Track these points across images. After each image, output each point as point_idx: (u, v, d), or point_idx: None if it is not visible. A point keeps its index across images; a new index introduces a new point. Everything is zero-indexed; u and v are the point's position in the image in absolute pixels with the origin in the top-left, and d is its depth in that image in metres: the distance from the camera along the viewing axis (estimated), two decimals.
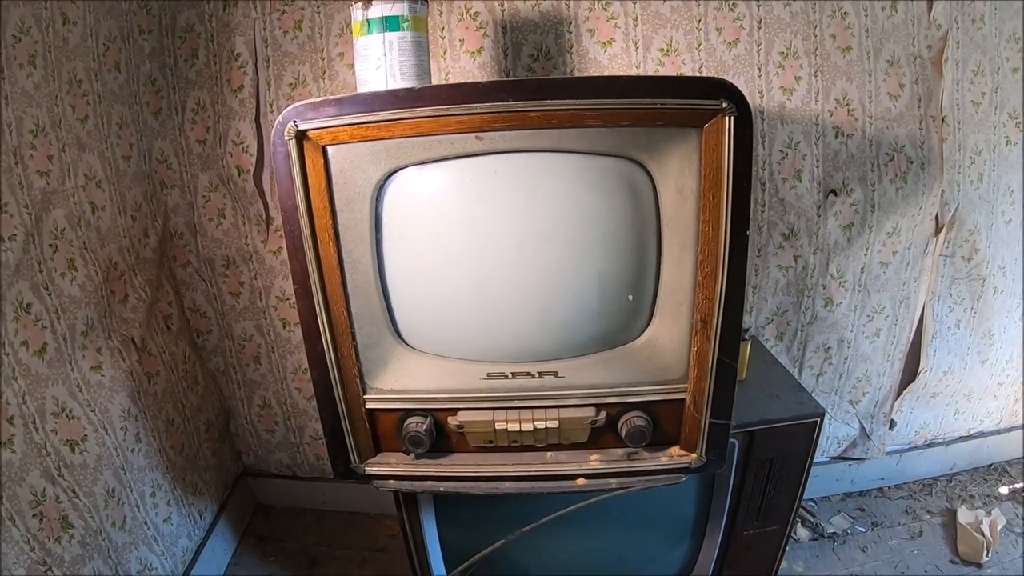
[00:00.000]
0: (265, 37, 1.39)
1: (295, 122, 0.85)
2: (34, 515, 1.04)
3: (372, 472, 1.05)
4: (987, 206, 1.56)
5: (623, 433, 0.99)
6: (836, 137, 1.45)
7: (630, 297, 0.94)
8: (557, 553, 1.37)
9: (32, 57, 1.10)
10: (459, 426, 1.01)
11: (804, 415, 1.21)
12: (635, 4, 1.35)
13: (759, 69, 1.40)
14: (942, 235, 1.55)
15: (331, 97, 0.87)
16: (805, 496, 1.71)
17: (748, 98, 1.29)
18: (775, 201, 1.49)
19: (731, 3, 1.36)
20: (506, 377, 0.99)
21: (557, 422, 0.99)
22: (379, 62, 1.00)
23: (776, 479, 1.26)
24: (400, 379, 1.02)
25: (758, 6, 1.37)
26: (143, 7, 1.37)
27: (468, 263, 0.95)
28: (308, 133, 0.86)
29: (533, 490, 1.03)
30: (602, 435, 1.01)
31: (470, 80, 1.40)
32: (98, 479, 1.18)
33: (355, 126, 0.86)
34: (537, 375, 0.99)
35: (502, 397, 1.00)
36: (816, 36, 1.39)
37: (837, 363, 1.65)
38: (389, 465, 1.05)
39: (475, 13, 1.36)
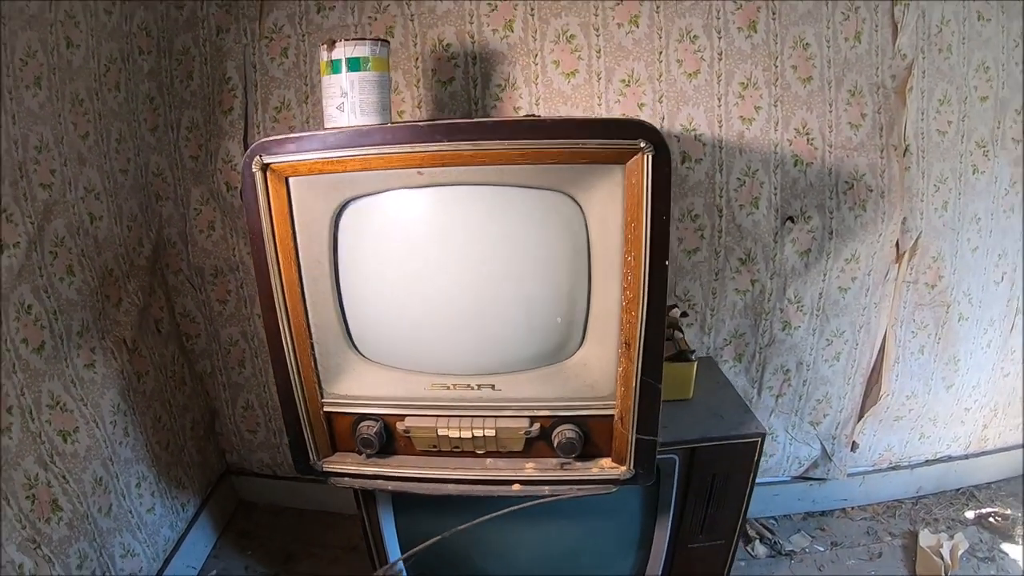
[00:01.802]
0: (254, 62, 1.49)
1: (260, 156, 0.95)
2: (27, 497, 1.15)
3: (329, 470, 1.15)
4: (952, 233, 1.59)
5: (555, 444, 1.06)
6: (795, 166, 1.50)
7: (558, 320, 1.02)
8: (515, 558, 1.44)
9: (38, 79, 1.22)
10: (406, 431, 1.10)
11: (745, 434, 1.26)
12: (598, 37, 1.43)
13: (719, 99, 1.46)
14: (904, 262, 1.58)
15: (292, 135, 0.97)
16: (765, 513, 1.78)
17: (707, 128, 1.39)
18: (732, 227, 1.54)
19: (692, 35, 1.42)
20: (447, 388, 1.08)
21: (494, 431, 1.07)
22: (342, 100, 1.09)
23: (719, 495, 1.31)
24: (355, 386, 1.11)
25: (719, 38, 1.43)
26: (143, 30, 1.48)
27: (413, 284, 1.04)
28: (272, 166, 0.96)
29: (473, 493, 1.11)
30: (537, 445, 1.08)
31: (441, 108, 1.49)
32: (87, 468, 1.29)
33: (312, 161, 0.96)
34: (475, 387, 1.07)
35: (444, 406, 1.08)
36: (777, 67, 1.44)
37: (796, 385, 1.69)
38: (344, 464, 1.14)
39: (447, 44, 1.45)
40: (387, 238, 1.03)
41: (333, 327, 1.08)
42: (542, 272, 1.01)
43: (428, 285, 1.04)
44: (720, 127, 1.47)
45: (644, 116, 1.46)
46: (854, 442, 1.74)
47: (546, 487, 1.09)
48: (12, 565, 1.09)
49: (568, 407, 1.05)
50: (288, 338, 1.06)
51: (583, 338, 1.03)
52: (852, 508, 1.80)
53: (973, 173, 1.55)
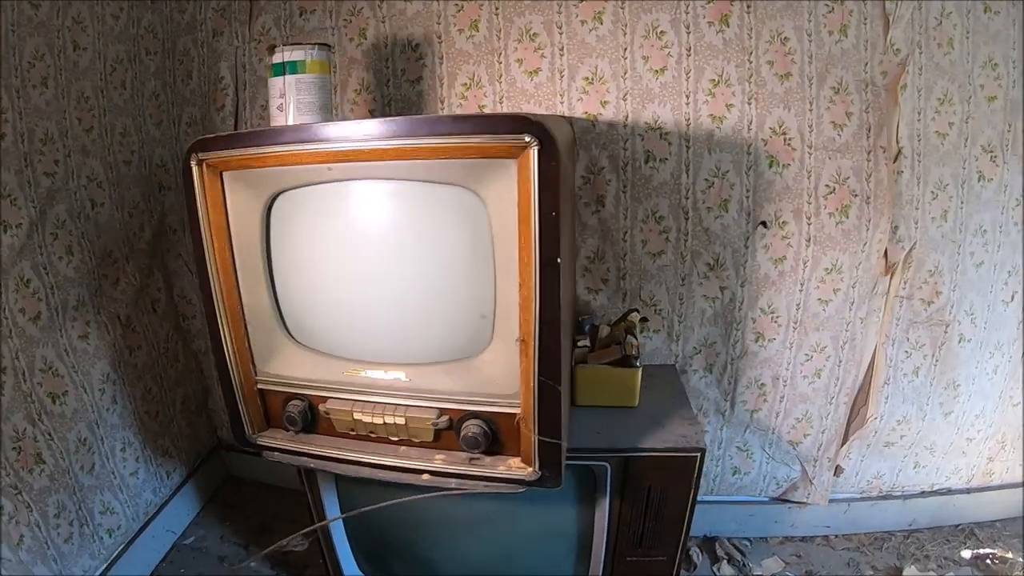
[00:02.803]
0: (244, 63, 1.59)
1: (197, 152, 1.04)
2: (14, 448, 1.29)
3: (262, 443, 1.21)
4: (952, 246, 1.45)
5: (460, 438, 1.07)
6: (770, 167, 1.43)
7: (483, 316, 1.02)
8: (465, 556, 1.46)
9: (44, 79, 1.37)
10: (327, 412, 1.15)
11: (682, 448, 1.21)
12: (561, 35, 1.42)
13: (687, 97, 1.41)
14: (897, 275, 1.46)
15: (223, 134, 1.05)
16: (740, 534, 1.70)
17: (674, 126, 1.35)
18: (699, 230, 1.48)
19: (658, 31, 1.39)
20: (362, 374, 1.12)
21: (404, 420, 1.09)
22: (281, 100, 1.16)
23: (656, 509, 1.27)
24: (285, 366, 1.18)
25: (688, 33, 1.38)
26: (150, 32, 1.62)
27: (330, 273, 1.09)
28: (207, 161, 1.04)
29: (385, 478, 1.13)
30: (447, 437, 1.10)
31: (410, 106, 1.53)
32: (72, 428, 1.43)
33: (239, 157, 1.04)
34: (387, 375, 1.10)
35: (359, 391, 1.12)
36: (752, 63, 1.38)
37: (773, 401, 1.59)
38: (275, 439, 1.21)
39: (416, 44, 1.49)
40: (308, 229, 1.08)
41: (265, 311, 1.15)
42: (447, 267, 1.02)
43: (342, 274, 1.08)
44: (688, 126, 1.42)
45: (607, 114, 1.44)
46: (838, 466, 1.62)
47: (453, 480, 1.10)
48: None
49: (475, 402, 1.06)
50: (223, 319, 1.13)
51: (492, 334, 1.04)
52: (835, 536, 1.67)
53: (979, 180, 1.41)
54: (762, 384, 1.58)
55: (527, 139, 0.86)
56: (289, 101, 1.15)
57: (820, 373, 1.55)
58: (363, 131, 0.95)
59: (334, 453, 1.16)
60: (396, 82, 1.52)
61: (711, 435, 1.66)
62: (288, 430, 1.19)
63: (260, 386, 1.19)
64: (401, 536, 1.46)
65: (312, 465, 1.19)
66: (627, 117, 1.44)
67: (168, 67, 1.66)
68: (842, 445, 1.60)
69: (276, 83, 1.16)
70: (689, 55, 1.39)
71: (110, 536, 1.52)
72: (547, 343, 0.95)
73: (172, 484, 1.76)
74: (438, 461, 1.10)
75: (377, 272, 1.06)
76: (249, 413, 1.20)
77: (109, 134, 1.55)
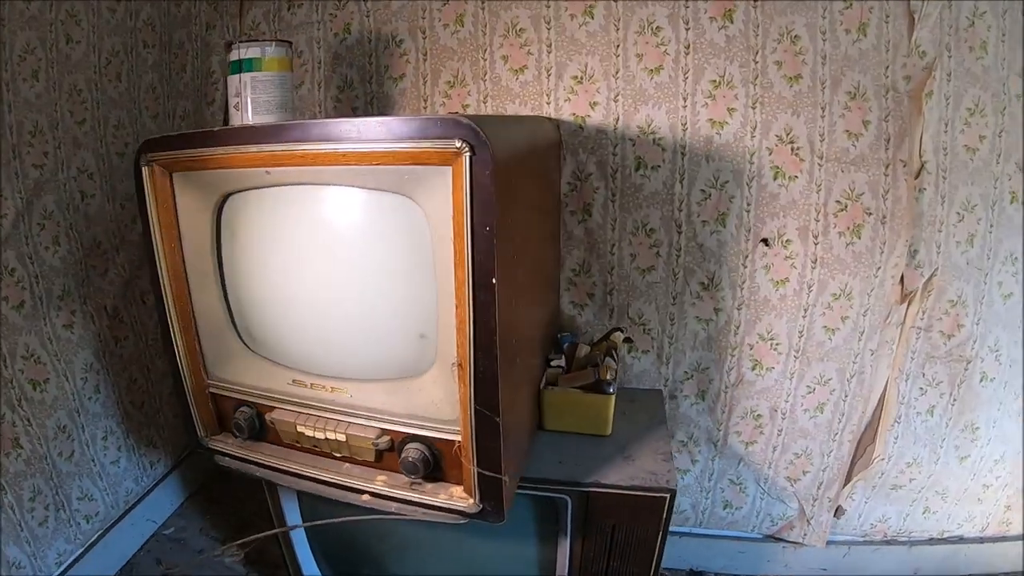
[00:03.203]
0: None
1: (146, 152, 1.02)
2: None
3: (213, 448, 1.19)
4: (978, 274, 1.29)
5: (400, 461, 1.01)
6: (775, 179, 1.30)
7: (422, 336, 0.96)
8: None
9: (35, 72, 1.38)
10: (272, 422, 1.11)
11: (649, 487, 1.11)
12: (549, 30, 1.33)
13: (684, 99, 1.30)
14: (914, 304, 1.30)
15: (173, 134, 1.02)
16: (729, 570, 1.59)
17: (668, 131, 1.25)
18: (692, 246, 1.36)
19: (654, 27, 1.27)
20: (306, 386, 1.07)
21: (344, 436, 1.04)
22: (237, 99, 1.12)
23: (622, 548, 1.17)
24: (235, 372, 1.14)
25: (687, 29, 1.27)
26: (148, 24, 1.61)
27: (274, 280, 1.04)
28: (156, 162, 1.02)
29: (327, 495, 1.09)
30: (389, 459, 1.04)
31: (391, 105, 1.48)
32: (52, 415, 1.45)
33: (185, 159, 1.01)
34: (330, 389, 1.05)
35: (302, 403, 1.08)
36: (757, 63, 1.25)
37: (770, 434, 1.46)
38: (226, 444, 1.18)
39: (400, 40, 1.43)
40: (254, 234, 1.04)
41: (217, 314, 1.12)
42: (386, 281, 0.95)
43: (284, 282, 1.03)
44: (684, 131, 1.31)
45: (597, 116, 1.34)
46: (840, 507, 1.48)
47: (393, 504, 1.04)
48: None
49: (417, 425, 0.99)
50: (173, 321, 1.11)
51: (435, 355, 0.97)
52: None
53: (1011, 202, 1.25)
54: (759, 415, 1.45)
55: (458, 144, 0.78)
56: (246, 100, 1.12)
57: (823, 407, 1.41)
58: (293, 134, 0.90)
59: (280, 464, 1.12)
60: (379, 79, 1.46)
61: (702, 465, 1.54)
62: (237, 436, 1.17)
63: (212, 390, 1.17)
64: (364, 547, 1.42)
65: (258, 474, 1.16)
66: (618, 120, 1.34)
67: (165, 60, 1.66)
68: (845, 485, 1.46)
69: (233, 81, 1.12)
70: (688, 53, 1.27)
71: (87, 522, 1.54)
72: (483, 369, 0.87)
73: (156, 474, 1.78)
74: (379, 482, 1.05)
75: (317, 282, 1.00)
76: (201, 416, 1.18)
77: (102, 126, 1.56)
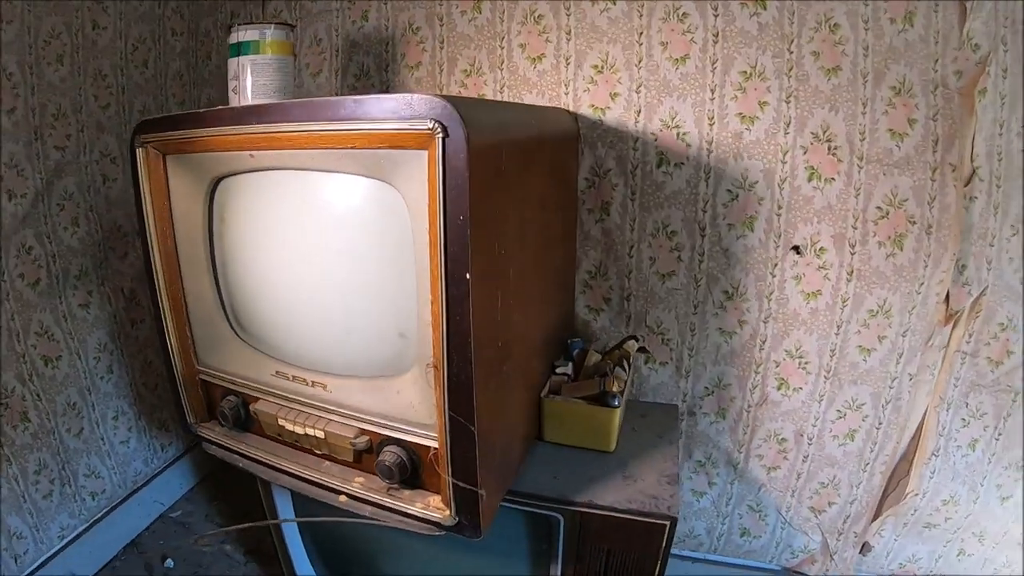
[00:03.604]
0: None
1: (139, 134, 1.00)
2: (1, 403, 1.34)
3: (202, 435, 1.18)
4: None
5: (376, 464, 0.96)
6: (809, 180, 1.18)
7: (401, 334, 0.90)
8: None
9: (60, 56, 1.40)
10: (255, 413, 1.08)
11: (647, 512, 1.02)
12: (569, 16, 1.25)
13: (712, 91, 1.20)
14: (960, 326, 1.16)
15: (166, 115, 1.00)
16: None
17: (694, 125, 1.16)
18: (717, 251, 1.26)
19: (680, 13, 1.18)
20: (288, 379, 1.03)
21: (323, 433, 1.00)
22: (234, 82, 1.10)
23: (617, 575, 1.09)
24: (224, 360, 1.12)
25: (715, 16, 1.17)
26: (177, 13, 1.63)
27: (259, 267, 1.01)
28: (150, 144, 1.00)
29: (305, 492, 1.05)
30: (368, 460, 0.99)
31: (410, 92, 1.43)
32: (62, 392, 1.47)
33: (175, 140, 0.99)
34: (310, 383, 1.01)
35: (284, 396, 1.05)
36: (792, 53, 1.14)
37: (794, 460, 1.34)
38: (213, 433, 1.16)
39: (417, 27, 1.38)
40: (241, 219, 1.01)
41: (208, 301, 1.10)
42: (366, 274, 0.90)
43: (268, 270, 1.00)
44: (711, 125, 1.21)
45: (617, 108, 1.26)
46: (866, 543, 1.34)
47: (368, 507, 0.99)
48: None
49: (395, 428, 0.93)
50: (164, 306, 1.10)
51: (415, 355, 0.91)
52: None
53: None
54: (783, 439, 1.33)
55: (430, 125, 0.72)
56: (244, 83, 1.09)
57: (854, 435, 1.28)
58: (272, 115, 0.85)
59: (262, 457, 1.09)
60: (395, 67, 1.42)
61: (720, 488, 1.43)
62: (222, 426, 1.14)
63: (202, 377, 1.15)
64: (356, 548, 1.38)
65: (241, 465, 1.13)
66: (639, 112, 1.25)
67: (192, 48, 1.68)
68: (874, 519, 1.32)
69: (232, 64, 1.10)
70: (716, 42, 1.17)
71: (93, 499, 1.56)
72: (457, 372, 0.81)
73: (166, 457, 1.80)
74: (356, 484, 1.00)
75: (298, 271, 0.96)
76: (190, 403, 1.17)
77: (127, 111, 1.58)
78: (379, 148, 0.79)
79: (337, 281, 0.93)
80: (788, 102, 1.16)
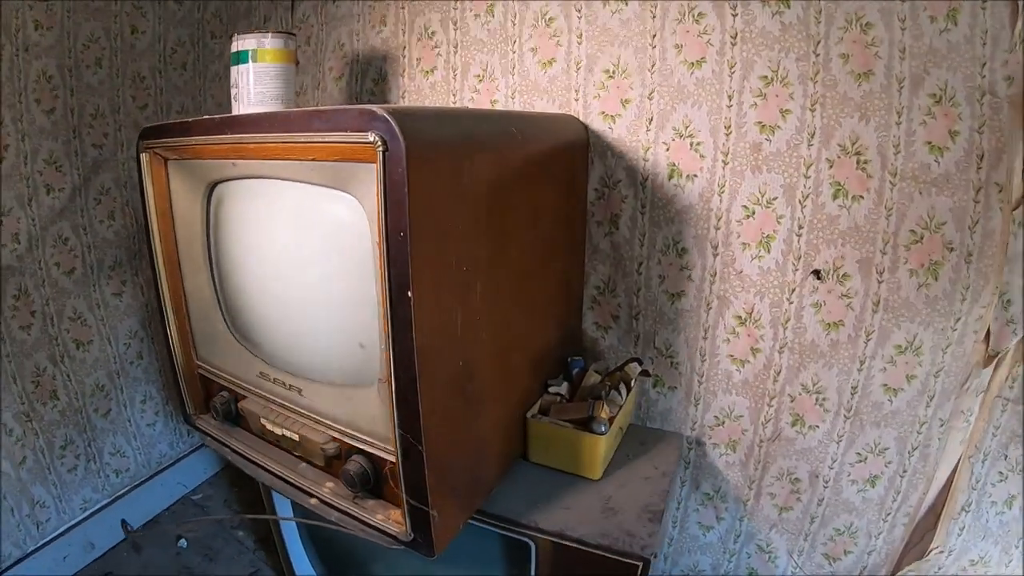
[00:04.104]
0: None
1: (143, 140, 1.05)
2: (32, 381, 1.42)
3: (199, 427, 1.21)
4: None
5: (341, 471, 0.95)
6: (835, 198, 1.07)
7: (361, 345, 0.88)
8: None
9: (99, 60, 1.48)
10: (243, 411, 1.10)
11: (617, 550, 0.95)
12: (580, 19, 1.19)
13: (729, 97, 1.11)
14: (1002, 369, 1.01)
15: (167, 122, 1.04)
16: None
17: (709, 134, 1.09)
18: (730, 272, 1.16)
19: (696, 13, 1.10)
20: (270, 380, 1.05)
21: (298, 436, 1.00)
22: (234, 89, 1.12)
23: None
24: (218, 357, 1.16)
25: (734, 15, 1.07)
26: (216, 17, 1.69)
27: (246, 270, 1.03)
28: (154, 149, 1.05)
29: (282, 491, 1.05)
30: (338, 467, 0.98)
31: (422, 99, 1.41)
32: (92, 374, 1.56)
33: (173, 147, 1.03)
34: (288, 387, 1.01)
35: (266, 396, 1.06)
36: (818, 56, 1.03)
37: (808, 502, 1.22)
38: (208, 425, 1.19)
39: (432, 32, 1.36)
40: (231, 223, 1.04)
41: (206, 299, 1.14)
42: (330, 282, 0.89)
43: (250, 273, 1.02)
44: (728, 135, 1.12)
45: (629, 115, 1.19)
46: None
47: (335, 513, 0.98)
48: (5, 428, 1.38)
49: (360, 439, 0.92)
50: (166, 303, 1.14)
51: (378, 368, 0.88)
52: None
53: None
54: (796, 479, 1.22)
55: (371, 138, 0.69)
56: (242, 91, 1.11)
57: (875, 481, 1.15)
58: (240, 126, 0.87)
59: (247, 452, 1.11)
60: (411, 72, 1.41)
61: (728, 524, 1.33)
62: (215, 419, 1.17)
63: (200, 371, 1.19)
64: (350, 548, 1.38)
65: (230, 459, 1.15)
66: (651, 120, 1.18)
67: (229, 51, 1.74)
68: (893, 574, 1.18)
69: (232, 72, 1.12)
70: (735, 44, 1.09)
71: (117, 476, 1.65)
72: (404, 391, 0.77)
73: (192, 442, 1.87)
74: (326, 489, 0.99)
75: (274, 277, 0.98)
76: (190, 395, 1.20)
77: (165, 112, 1.66)
78: (337, 161, 0.78)
79: (305, 288, 0.93)
80: (813, 110, 1.05)
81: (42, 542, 1.47)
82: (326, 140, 0.74)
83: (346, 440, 0.94)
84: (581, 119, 1.24)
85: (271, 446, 1.09)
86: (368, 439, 0.91)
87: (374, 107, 0.69)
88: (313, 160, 0.80)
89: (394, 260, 0.72)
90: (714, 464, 1.31)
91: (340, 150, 0.75)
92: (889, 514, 1.16)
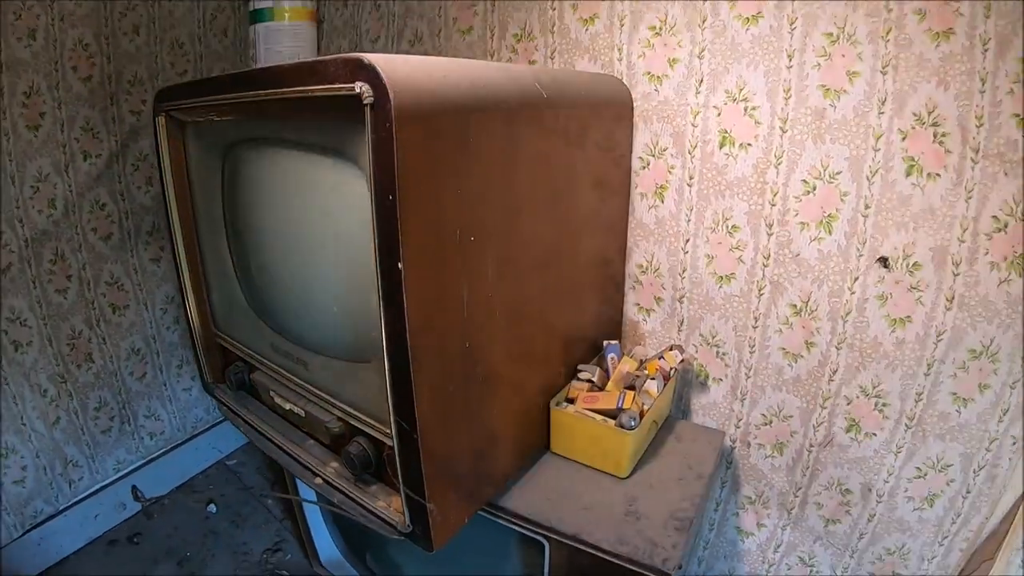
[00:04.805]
0: (321, 16, 1.55)
1: (159, 102, 1.02)
2: (68, 344, 1.45)
3: (217, 396, 1.19)
4: None
5: (342, 452, 0.89)
6: (907, 174, 0.92)
7: (334, 309, 0.82)
8: None
9: (136, 27, 1.45)
10: (255, 382, 1.07)
11: (638, 561, 0.85)
12: None
13: (789, 57, 0.97)
14: None
15: (175, 84, 1.01)
16: None
17: (765, 98, 0.98)
18: (785, 255, 1.03)
19: None
20: (280, 352, 1.01)
21: (304, 412, 0.96)
22: (252, 50, 1.07)
23: None
24: (235, 327, 1.13)
25: None
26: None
27: (259, 237, 0.99)
28: (169, 111, 1.01)
29: (287, 467, 1.01)
30: (343, 447, 0.93)
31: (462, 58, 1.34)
32: (127, 338, 1.58)
33: (186, 107, 0.99)
34: (295, 360, 0.97)
35: (276, 369, 1.03)
36: (891, 12, 0.88)
37: (858, 517, 1.09)
38: (224, 395, 1.18)
39: None
40: (244, 187, 0.99)
41: (225, 267, 1.10)
42: (332, 249, 0.83)
43: (262, 241, 0.98)
44: (787, 99, 0.99)
45: (677, 76, 1.07)
46: None
47: (338, 495, 0.93)
48: (39, 388, 1.41)
49: (362, 419, 0.87)
50: (183, 270, 1.12)
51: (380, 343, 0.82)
52: None
53: None
54: (847, 490, 1.09)
55: (358, 89, 0.61)
56: (259, 50, 1.06)
57: (934, 500, 1.01)
58: (242, 82, 0.81)
59: (258, 424, 1.08)
60: (447, 32, 1.33)
61: (769, 532, 1.22)
62: (230, 390, 1.15)
63: (219, 341, 1.16)
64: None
65: (243, 430, 1.13)
66: (701, 81, 1.05)
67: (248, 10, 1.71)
68: None
69: (250, 32, 1.07)
70: None
71: (151, 438, 1.68)
72: (397, 371, 0.71)
73: None
74: (330, 470, 0.95)
75: (283, 243, 0.93)
76: (208, 362, 1.19)
77: (204, 76, 1.65)
78: (336, 121, 0.72)
79: (308, 255, 0.87)
80: (884, 73, 0.90)
81: (74, 500, 1.51)
82: (318, 95, 0.67)
83: (349, 420, 0.89)
84: (624, 81, 1.12)
85: (281, 420, 1.06)
86: (369, 420, 0.85)
87: (363, 55, 0.61)
88: (313, 119, 0.74)
89: (383, 228, 0.64)
90: (758, 466, 1.19)
91: (335, 106, 0.67)
92: (946, 537, 1.02)
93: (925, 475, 1.01)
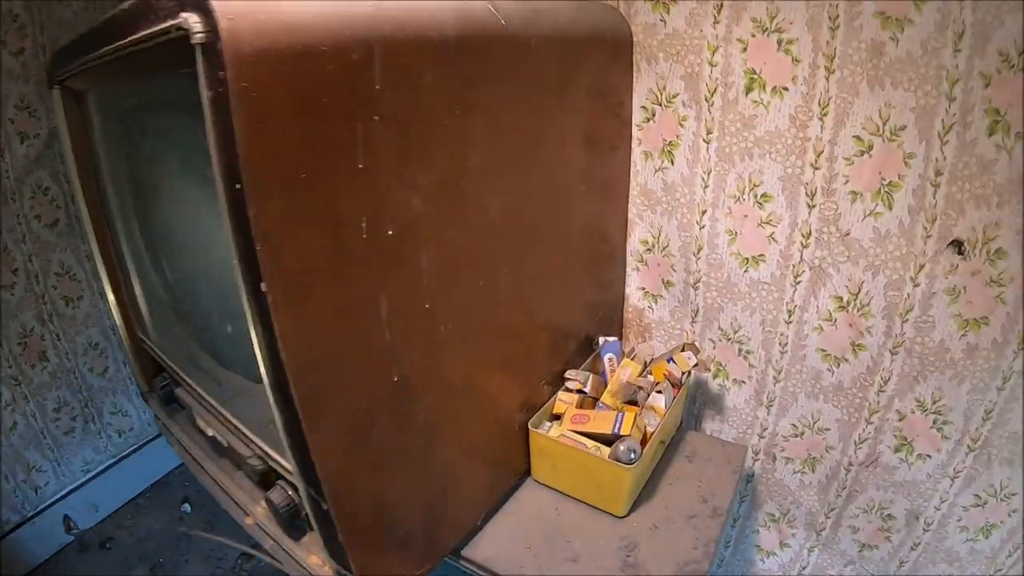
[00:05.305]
0: None
1: (54, 71, 0.83)
2: (19, 343, 1.32)
3: (152, 408, 1.04)
4: None
5: (265, 498, 0.73)
6: (990, 134, 0.68)
7: (228, 329, 0.64)
8: None
9: None
10: (179, 398, 0.91)
11: None
12: None
13: None
14: None
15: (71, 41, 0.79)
16: None
17: (806, 28, 0.76)
18: (830, 233, 0.81)
19: None
20: (197, 366, 0.85)
21: (226, 442, 0.79)
22: None
23: None
24: (159, 331, 0.97)
25: None
26: None
27: (164, 224, 0.82)
28: (65, 80, 0.81)
29: (218, 500, 0.86)
30: (271, 486, 0.77)
31: None
32: (83, 332, 1.43)
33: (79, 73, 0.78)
34: (211, 376, 0.81)
35: (193, 387, 0.86)
36: None
37: (900, 544, 0.90)
38: (159, 408, 1.02)
39: None
40: (141, 167, 0.81)
41: (143, 261, 0.93)
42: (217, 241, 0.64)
43: (168, 228, 0.81)
44: (834, 30, 0.74)
45: (690, 1, 0.82)
46: None
47: (269, 541, 0.78)
48: None
49: (279, 463, 0.69)
50: (97, 264, 0.96)
51: None
52: None
53: None
54: (890, 516, 0.90)
55: (183, 25, 0.41)
56: None
57: (991, 531, 0.82)
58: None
59: (188, 445, 0.93)
60: None
61: (793, 552, 1.05)
62: (158, 404, 0.99)
63: (144, 345, 1.00)
64: None
65: (176, 451, 0.98)
66: (720, 7, 0.81)
67: None
68: None
69: None
70: None
71: (120, 436, 1.56)
72: (290, 430, 0.52)
73: None
74: (260, 511, 0.79)
75: (182, 230, 0.74)
76: (140, 369, 1.02)
77: None
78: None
79: (202, 248, 0.68)
80: None
81: (41, 506, 1.41)
82: (148, 43, 0.47)
83: (268, 460, 0.72)
84: (621, 8, 0.88)
85: (212, 442, 0.89)
86: (287, 467, 0.68)
87: None
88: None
89: (236, 230, 0.44)
90: (785, 482, 1.00)
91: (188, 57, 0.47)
92: (999, 571, 0.84)
93: (985, 503, 0.82)
